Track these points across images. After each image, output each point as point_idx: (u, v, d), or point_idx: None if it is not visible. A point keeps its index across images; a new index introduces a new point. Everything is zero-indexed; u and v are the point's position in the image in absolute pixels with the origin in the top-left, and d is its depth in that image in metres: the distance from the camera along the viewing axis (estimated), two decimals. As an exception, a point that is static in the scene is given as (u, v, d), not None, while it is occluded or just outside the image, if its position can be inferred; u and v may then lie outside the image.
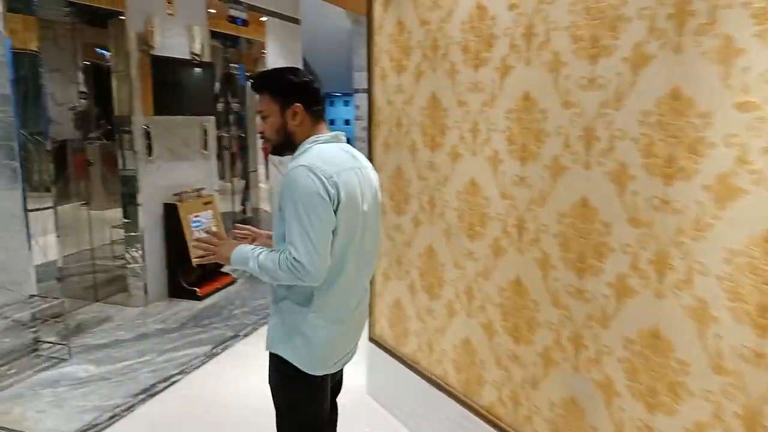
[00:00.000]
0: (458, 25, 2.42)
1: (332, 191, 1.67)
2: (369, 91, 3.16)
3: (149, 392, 3.33)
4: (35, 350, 3.76)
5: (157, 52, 4.73)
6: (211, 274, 5.34)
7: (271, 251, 1.71)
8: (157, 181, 4.90)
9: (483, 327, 2.42)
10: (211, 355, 3.86)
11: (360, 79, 9.50)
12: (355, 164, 1.83)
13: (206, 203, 5.26)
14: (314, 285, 1.71)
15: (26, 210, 3.64)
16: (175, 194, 4.99)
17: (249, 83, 6.86)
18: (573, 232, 1.93)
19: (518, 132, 2.15)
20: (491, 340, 2.38)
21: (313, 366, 1.81)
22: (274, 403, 1.90)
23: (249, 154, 7.07)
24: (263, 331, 4.09)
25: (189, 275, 5.08)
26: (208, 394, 3.37)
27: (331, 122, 11.29)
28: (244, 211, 7.17)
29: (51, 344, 3.81)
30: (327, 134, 1.84)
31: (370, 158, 3.19)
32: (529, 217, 2.13)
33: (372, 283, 3.27)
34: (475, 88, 2.36)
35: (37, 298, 3.70)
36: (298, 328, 1.79)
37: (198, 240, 1.90)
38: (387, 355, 3.15)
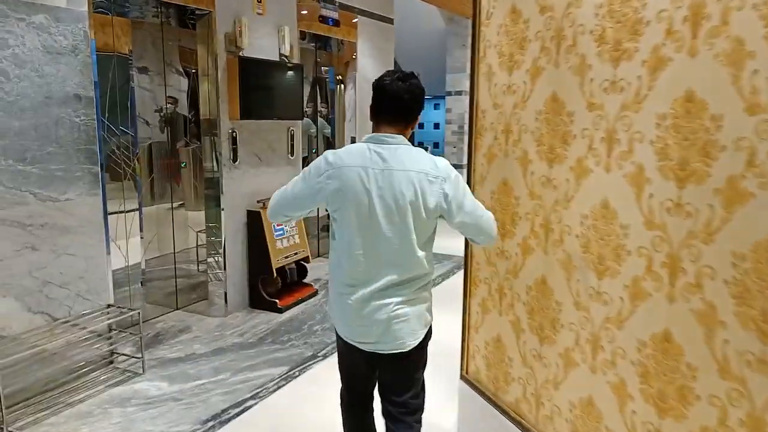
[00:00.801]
0: (591, 9, 1.95)
1: (322, 179, 1.93)
2: (471, 93, 2.73)
3: (219, 418, 3.07)
4: (111, 362, 3.62)
5: (245, 53, 4.54)
6: (293, 285, 5.09)
7: None
8: (242, 186, 4.71)
9: (612, 387, 1.93)
10: (288, 378, 3.57)
11: (453, 82, 9.06)
12: (369, 164, 1.90)
13: (290, 211, 5.01)
14: (270, 219, 2.21)
15: (106, 217, 3.50)
16: (259, 201, 4.77)
17: (339, 86, 6.61)
18: (754, 281, 1.42)
19: (675, 144, 1.65)
20: (624, 406, 1.88)
21: (334, 322, 2.11)
22: None
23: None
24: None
25: (270, 285, 4.86)
26: (282, 425, 3.06)
27: (420, 126, 10.89)
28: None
29: (126, 357, 3.66)
30: (370, 134, 1.99)
31: (470, 169, 2.76)
32: (686, 256, 1.62)
33: (466, 313, 2.85)
34: (612, 87, 1.88)
35: (114, 308, 3.55)
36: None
37: None
38: (482, 400, 2.70)
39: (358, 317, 1.96)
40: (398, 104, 1.95)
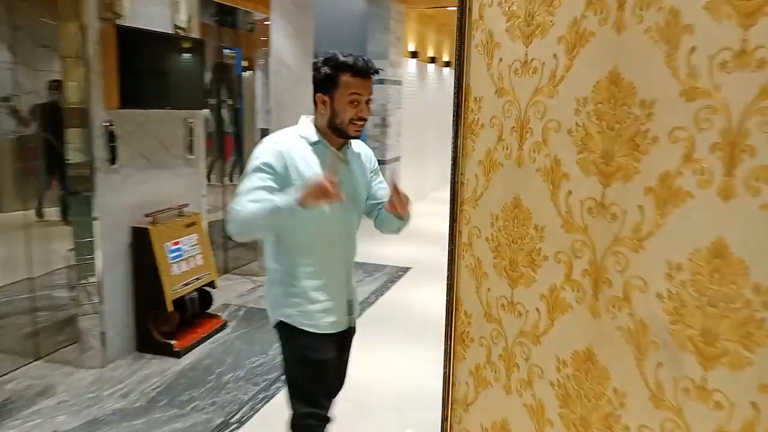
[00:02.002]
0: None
1: None
2: (458, 74, 1.90)
3: None
4: None
5: (126, 22, 3.46)
6: (195, 318, 4.06)
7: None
8: (124, 196, 3.63)
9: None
10: (190, 462, 2.61)
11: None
12: None
13: (189, 225, 3.98)
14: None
15: None
16: (148, 214, 3.71)
17: (247, 71, 5.59)
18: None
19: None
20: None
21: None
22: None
23: (246, 156, 5.78)
24: (268, 414, 2.89)
25: (165, 322, 3.81)
26: None
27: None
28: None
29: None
30: None
31: (455, 181, 1.94)
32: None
33: (448, 380, 2.04)
34: (740, 59, 1.12)
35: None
36: None
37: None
38: None
39: None
40: None
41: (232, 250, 5.76)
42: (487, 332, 1.86)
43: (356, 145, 2.10)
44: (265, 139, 1.99)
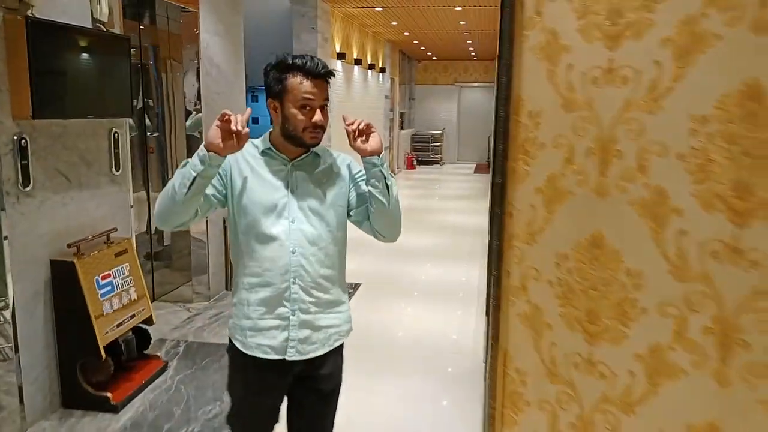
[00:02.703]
0: None
1: None
2: (504, 82, 1.56)
3: None
4: None
5: (36, 14, 2.84)
6: (131, 361, 3.47)
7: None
8: (40, 224, 3.00)
9: None
10: None
11: (302, 74, 7.74)
12: None
13: (120, 253, 3.39)
14: None
15: None
16: (71, 244, 3.10)
17: (170, 72, 4.97)
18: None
19: None
20: None
21: None
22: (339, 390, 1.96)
23: (170, 165, 5.15)
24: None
25: (97, 372, 3.21)
26: None
27: (255, 121, 9.36)
28: (160, 239, 5.26)
29: None
30: None
31: (497, 211, 1.61)
32: None
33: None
34: None
35: None
36: None
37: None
38: None
39: None
40: None
41: (158, 271, 5.13)
42: (551, 395, 1.55)
43: (336, 157, 1.87)
44: None
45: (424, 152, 16.49)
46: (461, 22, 9.60)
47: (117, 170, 3.56)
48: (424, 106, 17.43)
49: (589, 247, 1.42)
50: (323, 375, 1.86)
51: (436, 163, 16.60)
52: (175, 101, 4.95)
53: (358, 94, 9.98)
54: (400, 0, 7.71)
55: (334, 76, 1.76)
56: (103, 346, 3.10)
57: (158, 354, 3.76)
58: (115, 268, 3.32)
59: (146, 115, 4.84)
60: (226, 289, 5.21)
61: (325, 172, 1.82)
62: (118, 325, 3.25)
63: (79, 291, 3.03)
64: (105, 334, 3.13)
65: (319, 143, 1.78)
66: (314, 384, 1.87)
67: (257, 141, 1.81)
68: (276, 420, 1.93)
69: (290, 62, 1.69)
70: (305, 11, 7.60)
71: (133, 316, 3.39)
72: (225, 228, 5.13)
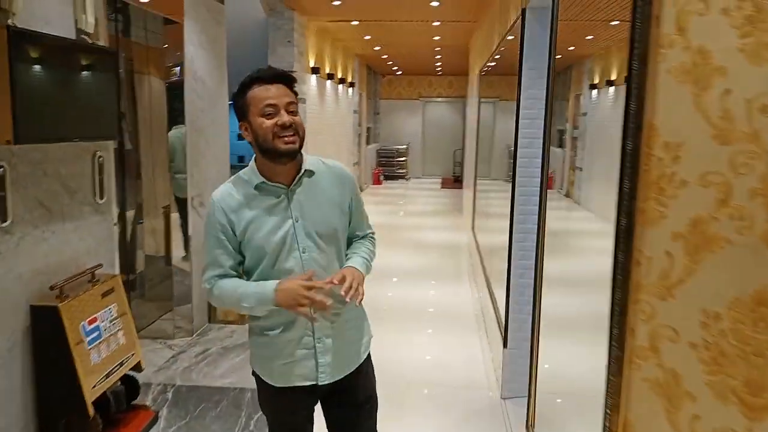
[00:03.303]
0: None
1: None
2: (634, 109, 1.33)
3: None
4: None
5: (18, 23, 2.47)
6: (120, 414, 3.07)
7: (357, 242, 1.89)
8: (19, 264, 2.60)
9: None
10: None
11: (277, 89, 7.41)
12: None
13: (107, 293, 3.01)
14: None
15: None
16: (54, 286, 2.70)
17: (150, 86, 4.59)
18: None
19: None
20: None
21: None
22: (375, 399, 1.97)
23: (148, 183, 4.73)
24: None
25: (84, 429, 2.80)
26: None
27: (240, 137, 8.90)
28: (131, 266, 4.82)
29: None
30: None
31: (624, 256, 1.38)
32: None
33: None
34: None
35: None
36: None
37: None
38: None
39: None
40: None
41: (133, 302, 4.67)
42: (695, 477, 1.31)
43: (324, 169, 1.82)
44: (214, 192, 1.82)
45: (389, 167, 16.31)
46: (435, 37, 9.47)
47: (101, 198, 3.18)
48: (388, 121, 17.28)
49: (754, 306, 1.19)
50: (355, 386, 1.88)
51: (402, 177, 16.44)
52: (156, 118, 4.57)
53: (330, 109, 9.71)
54: (379, 14, 7.50)
55: (288, 78, 1.72)
56: (91, 402, 2.71)
57: (145, 402, 3.37)
58: (103, 311, 2.94)
59: (124, 133, 4.44)
60: (210, 321, 4.82)
61: (324, 189, 1.79)
62: (107, 376, 2.87)
63: (64, 340, 2.64)
64: (93, 388, 2.74)
65: (297, 148, 1.70)
66: (348, 397, 1.89)
67: (246, 175, 1.76)
68: (312, 423, 1.95)
69: (245, 79, 1.69)
70: (281, 24, 7.29)
71: (122, 364, 3.01)
72: (208, 255, 4.75)
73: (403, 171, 16.56)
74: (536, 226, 2.99)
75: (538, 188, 3.26)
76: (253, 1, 6.85)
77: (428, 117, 17.35)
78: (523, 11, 3.26)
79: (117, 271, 3.34)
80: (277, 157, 1.68)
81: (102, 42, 3.16)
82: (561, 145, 11.72)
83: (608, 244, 1.45)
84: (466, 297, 5.69)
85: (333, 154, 10.05)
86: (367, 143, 14.83)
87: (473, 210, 7.54)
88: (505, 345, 3.53)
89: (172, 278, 4.74)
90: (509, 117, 7.91)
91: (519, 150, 3.36)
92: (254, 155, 1.77)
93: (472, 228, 7.44)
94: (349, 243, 1.90)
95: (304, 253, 1.72)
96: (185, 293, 4.74)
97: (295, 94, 1.74)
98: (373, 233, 1.96)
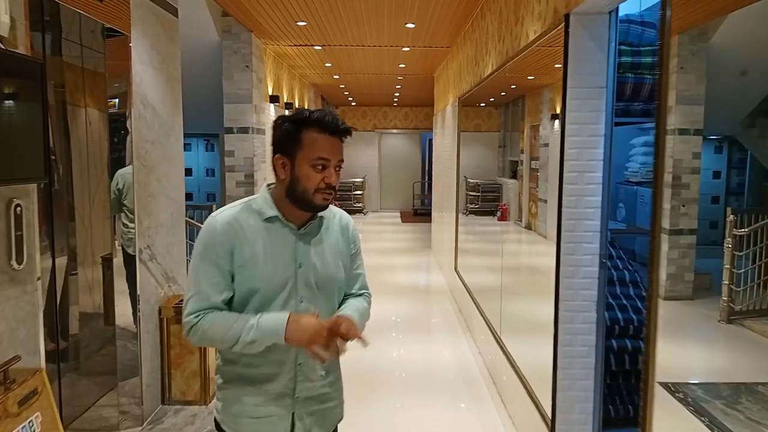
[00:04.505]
0: None
1: None
2: None
3: None
4: None
5: None
6: None
7: (352, 299, 1.78)
8: None
9: None
10: None
11: (234, 114, 6.60)
12: None
13: (26, 399, 2.12)
14: None
15: None
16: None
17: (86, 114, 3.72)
18: None
19: None
20: None
21: None
22: None
23: (82, 228, 3.80)
24: None
25: None
26: None
27: (188, 173, 8.10)
28: (63, 329, 3.83)
29: None
30: None
31: None
32: None
33: None
34: None
35: None
36: None
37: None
38: None
39: None
40: None
41: (64, 378, 3.70)
42: None
43: (333, 215, 1.76)
44: (212, 214, 1.64)
45: (346, 201, 15.58)
46: (401, 65, 8.92)
47: (19, 262, 2.31)
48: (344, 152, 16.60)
49: None
50: None
51: (359, 212, 15.73)
52: (94, 153, 3.69)
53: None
54: (346, 37, 6.86)
55: (350, 134, 1.65)
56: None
57: None
58: (20, 426, 2.05)
59: (53, 171, 3.54)
60: (164, 402, 3.90)
61: (330, 237, 1.72)
62: None
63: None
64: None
65: (327, 205, 1.65)
66: None
67: (257, 204, 1.64)
68: None
69: (307, 115, 1.60)
70: (238, 47, 6.53)
71: (48, 500, 2.11)
72: (162, 319, 3.88)
73: (360, 205, 15.86)
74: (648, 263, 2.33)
75: (597, 227, 2.63)
76: (204, 21, 6.07)
77: (385, 149, 16.81)
78: (567, 17, 2.66)
79: (42, 361, 2.45)
80: (307, 209, 1.63)
81: (23, 49, 2.33)
82: (514, 176, 11.39)
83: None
84: (465, 353, 4.98)
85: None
86: (323, 177, 14.07)
87: (455, 248, 6.89)
88: (552, 428, 2.82)
89: (115, 343, 3.85)
90: (470, 148, 7.23)
91: (565, 187, 2.72)
92: (269, 185, 1.68)
93: (455, 268, 6.77)
94: (342, 302, 1.79)
95: (301, 302, 1.63)
96: (132, 364, 3.84)
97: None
98: (369, 294, 1.85)
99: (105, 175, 3.62)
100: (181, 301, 4.22)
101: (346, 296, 1.79)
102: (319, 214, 1.67)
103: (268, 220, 1.61)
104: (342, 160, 1.64)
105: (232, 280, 1.59)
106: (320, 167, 1.57)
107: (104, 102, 3.58)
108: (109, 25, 3.34)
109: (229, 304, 1.60)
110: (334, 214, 1.76)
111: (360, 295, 1.81)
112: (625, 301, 3.02)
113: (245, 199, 1.67)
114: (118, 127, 3.87)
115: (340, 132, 1.61)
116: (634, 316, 2.96)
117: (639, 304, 3.02)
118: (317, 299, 1.65)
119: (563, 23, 2.68)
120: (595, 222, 2.69)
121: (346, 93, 13.23)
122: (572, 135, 2.70)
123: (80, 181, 3.70)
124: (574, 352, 2.79)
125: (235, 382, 1.65)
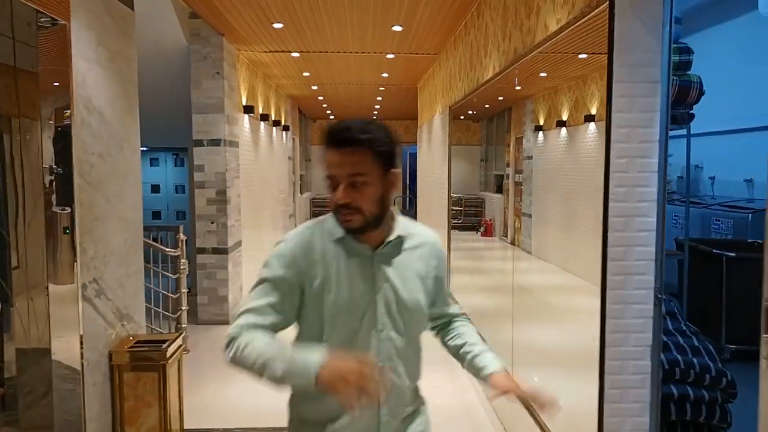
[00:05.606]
0: None
1: None
2: None
3: None
4: None
5: None
6: None
7: (459, 325, 1.71)
8: None
9: None
10: None
11: (203, 125, 5.99)
12: None
13: None
14: None
15: None
16: None
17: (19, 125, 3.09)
18: None
19: None
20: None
21: None
22: None
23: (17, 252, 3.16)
24: None
25: None
26: None
27: (155, 189, 7.58)
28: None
29: None
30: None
31: None
32: None
33: None
34: None
35: None
36: None
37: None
38: None
39: None
40: None
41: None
42: None
43: (413, 236, 1.56)
44: (286, 234, 1.54)
45: (324, 218, 14.99)
46: (384, 74, 8.42)
47: None
48: (320, 168, 16.07)
49: None
50: None
51: (338, 229, 15.15)
52: (24, 173, 3.06)
53: (264, 155, 8.34)
54: (326, 42, 6.33)
55: (354, 143, 1.41)
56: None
57: None
58: None
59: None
60: (116, 465, 3.25)
61: (411, 259, 1.54)
62: None
63: None
64: None
65: (358, 226, 1.44)
66: None
67: (330, 223, 1.50)
68: None
69: (327, 129, 1.47)
70: (207, 52, 5.95)
71: None
72: (112, 366, 3.24)
73: (339, 222, 15.29)
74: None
75: (651, 254, 2.11)
76: (169, 23, 5.48)
77: (364, 163, 16.32)
78: (611, 1, 2.15)
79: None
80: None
81: None
82: (499, 191, 11.00)
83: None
84: (467, 392, 4.41)
85: (270, 207, 8.65)
86: (300, 192, 13.50)
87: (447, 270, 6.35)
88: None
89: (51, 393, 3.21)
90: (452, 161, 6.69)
91: (611, 206, 2.20)
92: None
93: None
94: (444, 324, 1.71)
95: (381, 332, 1.48)
96: (77, 416, 3.20)
97: (377, 154, 1.42)
98: (466, 315, 1.73)
99: (41, 195, 2.99)
100: (138, 342, 3.63)
101: (442, 318, 1.69)
102: (397, 233, 1.51)
103: (339, 240, 1.48)
104: (358, 174, 1.41)
105: (301, 307, 1.47)
106: (332, 187, 1.45)
107: (37, 107, 2.96)
108: (44, 11, 2.73)
109: (299, 339, 1.49)
110: (418, 233, 1.58)
111: (459, 316, 1.72)
112: (681, 339, 2.49)
113: (320, 218, 1.54)
114: (64, 138, 3.27)
115: (339, 142, 1.42)
116: (694, 360, 2.44)
117: (695, 343, 2.50)
118: (399, 329, 1.50)
119: (606, 2, 2.16)
120: (649, 248, 2.17)
121: (325, 105, 12.70)
122: (620, 141, 2.17)
123: (14, 199, 3.07)
124: (624, 411, 2.25)
125: (295, 422, 1.55)
